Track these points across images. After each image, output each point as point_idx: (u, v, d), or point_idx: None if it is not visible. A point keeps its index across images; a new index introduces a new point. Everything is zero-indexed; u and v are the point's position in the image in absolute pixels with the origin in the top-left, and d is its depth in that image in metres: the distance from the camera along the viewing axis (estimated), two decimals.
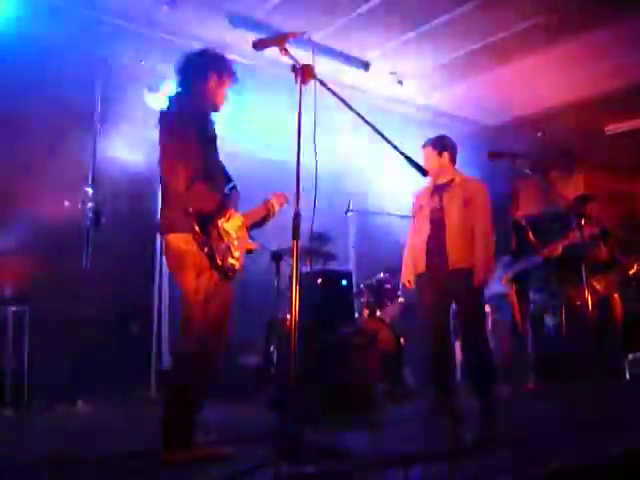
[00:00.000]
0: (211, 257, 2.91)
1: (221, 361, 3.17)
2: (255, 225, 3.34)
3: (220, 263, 2.94)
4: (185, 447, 2.81)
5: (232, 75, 3.29)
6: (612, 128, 7.64)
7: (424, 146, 4.52)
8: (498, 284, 5.48)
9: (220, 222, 2.98)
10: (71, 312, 5.04)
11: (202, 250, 2.89)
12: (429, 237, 4.39)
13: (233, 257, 3.02)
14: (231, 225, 3.04)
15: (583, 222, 4.25)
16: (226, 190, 3.19)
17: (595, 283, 6.01)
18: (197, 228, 2.89)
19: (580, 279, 4.62)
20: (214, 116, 3.28)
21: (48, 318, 4.93)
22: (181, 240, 2.96)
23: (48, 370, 4.69)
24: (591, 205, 6.05)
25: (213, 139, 3.19)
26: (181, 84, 3.24)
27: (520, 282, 5.55)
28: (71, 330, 5.03)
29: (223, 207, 3.02)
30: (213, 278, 2.96)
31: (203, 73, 3.21)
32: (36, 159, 5.07)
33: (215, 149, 3.20)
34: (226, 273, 2.98)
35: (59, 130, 5.13)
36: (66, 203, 5.16)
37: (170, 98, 3.22)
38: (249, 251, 3.24)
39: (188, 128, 2.98)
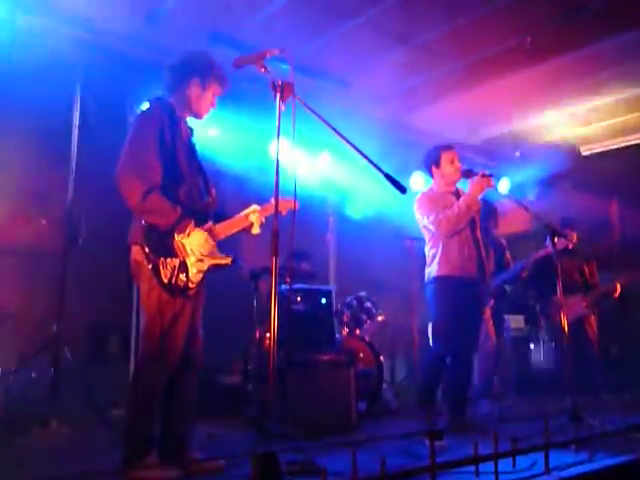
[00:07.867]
0: (156, 273, 2.80)
1: (198, 379, 3.11)
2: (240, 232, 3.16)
3: (165, 281, 2.80)
4: (139, 463, 2.72)
5: (219, 80, 3.14)
6: (588, 148, 7.77)
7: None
8: None
9: (178, 237, 2.87)
10: (48, 330, 4.97)
11: (147, 265, 2.80)
12: None
13: (187, 274, 2.86)
14: (191, 241, 2.89)
15: (556, 240, 4.31)
16: (204, 201, 3.07)
17: (576, 302, 6.10)
18: (145, 242, 2.80)
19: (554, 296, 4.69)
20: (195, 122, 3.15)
21: (24, 336, 4.84)
22: (138, 252, 2.86)
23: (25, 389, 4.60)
24: (572, 230, 6.18)
25: (188, 147, 3.07)
26: (164, 88, 3.12)
27: (496, 298, 5.58)
28: (48, 347, 4.94)
29: (181, 222, 2.86)
30: (163, 295, 2.82)
31: (185, 78, 3.08)
32: (11, 177, 5.01)
33: (191, 157, 3.08)
34: (173, 291, 2.82)
35: (34, 146, 5.08)
36: (42, 222, 5.10)
37: (150, 101, 3.07)
38: (219, 266, 3.00)
39: (149, 134, 2.88)
